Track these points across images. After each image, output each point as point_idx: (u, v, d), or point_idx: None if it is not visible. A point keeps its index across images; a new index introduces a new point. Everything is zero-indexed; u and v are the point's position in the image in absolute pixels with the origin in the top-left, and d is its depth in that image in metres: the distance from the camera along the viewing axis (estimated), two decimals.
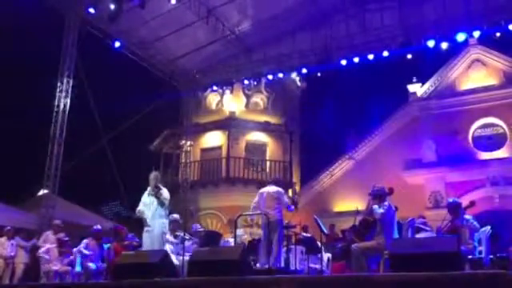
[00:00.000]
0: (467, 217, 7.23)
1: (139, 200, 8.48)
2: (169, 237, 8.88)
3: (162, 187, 8.38)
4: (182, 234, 9.11)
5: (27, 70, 17.05)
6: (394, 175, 16.32)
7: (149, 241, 8.11)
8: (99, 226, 10.49)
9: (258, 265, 8.54)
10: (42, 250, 10.52)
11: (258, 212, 8.59)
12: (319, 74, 16.47)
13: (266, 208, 8.50)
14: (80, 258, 9.95)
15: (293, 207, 9.12)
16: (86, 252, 9.69)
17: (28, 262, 11.93)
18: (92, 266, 9.71)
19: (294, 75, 18.74)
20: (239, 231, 11.43)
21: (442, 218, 7.56)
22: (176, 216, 9.37)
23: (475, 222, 7.24)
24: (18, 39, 14.66)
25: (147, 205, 8.27)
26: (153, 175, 8.44)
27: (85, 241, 9.95)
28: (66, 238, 10.55)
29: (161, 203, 8.18)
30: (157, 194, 8.20)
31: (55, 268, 9.97)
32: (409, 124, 18.55)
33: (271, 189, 8.75)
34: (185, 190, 19.03)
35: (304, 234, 10.45)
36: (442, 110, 18.14)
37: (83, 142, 16.65)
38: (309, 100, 21.84)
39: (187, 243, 8.94)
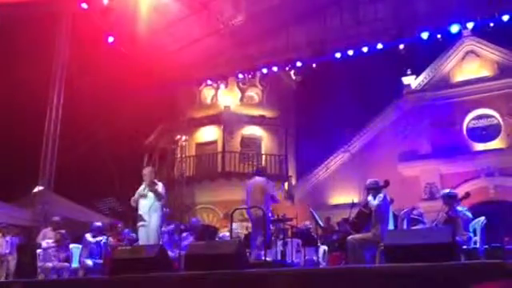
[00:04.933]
0: (460, 208, 7.27)
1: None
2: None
3: (157, 182, 8.38)
4: (172, 226, 9.17)
5: (19, 65, 16.94)
6: (389, 167, 16.37)
7: (145, 235, 8.11)
8: (100, 223, 10.53)
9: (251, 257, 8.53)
10: (41, 246, 10.50)
11: (253, 206, 8.49)
12: (314, 65, 16.44)
13: (252, 203, 8.37)
14: (78, 254, 9.99)
15: (278, 199, 8.96)
16: (93, 240, 9.74)
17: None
18: (89, 262, 9.74)
19: (288, 68, 18.68)
20: (234, 225, 11.44)
21: (437, 210, 7.60)
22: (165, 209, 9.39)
23: (468, 213, 7.27)
24: (9, 34, 14.55)
25: (143, 199, 8.27)
26: (147, 170, 8.44)
27: (88, 234, 10.01)
28: (62, 231, 10.53)
29: (157, 198, 8.19)
30: (152, 189, 8.20)
31: (52, 264, 9.95)
32: (403, 116, 18.59)
33: (256, 181, 8.61)
34: (180, 184, 19.01)
35: (305, 223, 10.47)
36: (437, 102, 18.18)
37: (78, 137, 16.59)
38: (304, 93, 21.82)
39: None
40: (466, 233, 7.03)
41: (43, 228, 11.60)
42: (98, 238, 9.84)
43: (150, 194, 8.22)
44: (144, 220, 8.15)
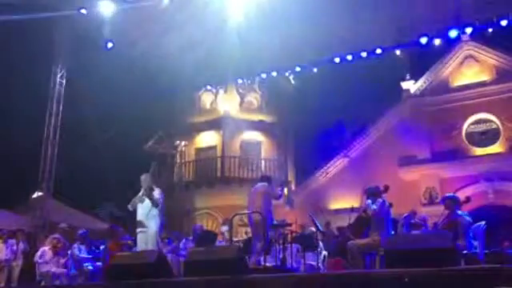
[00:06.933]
0: (459, 212, 7.24)
1: None
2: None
3: (155, 188, 8.33)
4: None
5: (19, 71, 16.96)
6: (388, 172, 16.36)
7: (143, 241, 8.08)
8: (83, 230, 10.57)
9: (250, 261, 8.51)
10: (38, 253, 10.46)
11: (253, 211, 8.53)
12: (315, 70, 16.47)
13: (253, 208, 8.48)
14: (72, 261, 9.98)
15: (281, 195, 9.11)
16: (80, 255, 9.75)
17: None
18: (89, 266, 9.74)
19: (287, 73, 18.73)
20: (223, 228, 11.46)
21: (436, 214, 7.59)
22: None
23: (467, 217, 7.25)
24: (8, 40, 14.59)
25: (141, 205, 8.23)
26: (145, 176, 8.40)
27: (75, 245, 10.02)
28: (57, 236, 10.50)
29: (154, 204, 8.14)
30: (149, 195, 8.15)
31: (52, 270, 9.92)
32: (403, 121, 18.57)
33: (258, 186, 8.74)
34: (180, 189, 18.99)
35: (311, 228, 10.46)
36: (436, 107, 18.19)
37: (77, 143, 16.60)
38: (303, 98, 21.85)
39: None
40: (465, 237, 7.01)
41: (50, 235, 11.56)
42: (83, 255, 9.90)
43: (147, 201, 8.19)
44: (142, 226, 8.13)
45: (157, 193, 8.27)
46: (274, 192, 8.77)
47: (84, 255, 9.96)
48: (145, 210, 8.18)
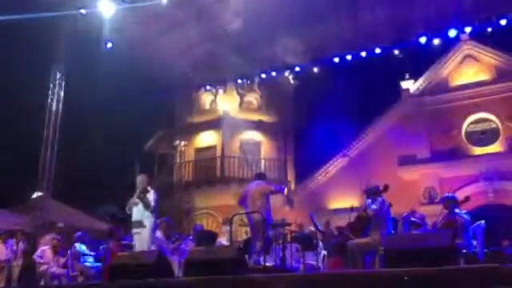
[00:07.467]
0: (458, 211, 7.27)
1: None
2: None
3: (149, 190, 8.27)
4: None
5: (18, 72, 16.97)
6: (388, 171, 16.36)
7: (139, 242, 8.07)
8: (80, 232, 10.64)
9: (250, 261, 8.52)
10: (37, 253, 10.49)
11: (252, 211, 8.49)
12: (315, 70, 16.47)
13: (251, 207, 8.44)
14: (72, 260, 10.02)
15: (282, 187, 9.07)
16: (82, 251, 9.80)
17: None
18: (88, 264, 9.76)
19: (287, 73, 18.73)
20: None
21: (436, 214, 7.61)
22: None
23: (466, 216, 7.27)
24: (8, 40, 14.60)
25: (135, 207, 8.21)
26: (140, 178, 8.36)
27: (76, 244, 10.05)
28: (56, 236, 10.51)
29: (146, 207, 8.10)
30: (143, 198, 8.11)
31: (52, 270, 9.94)
32: (402, 120, 18.58)
33: (255, 184, 8.68)
34: (180, 189, 19.00)
35: (310, 228, 10.48)
36: (435, 106, 18.19)
37: (77, 143, 16.60)
38: (302, 98, 21.87)
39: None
40: (464, 236, 7.02)
41: (46, 234, 11.58)
42: (89, 259, 9.93)
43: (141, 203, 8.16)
44: (137, 227, 8.12)
45: (151, 194, 8.23)
46: (271, 187, 8.75)
47: (87, 252, 10.00)
48: (139, 211, 8.16)
